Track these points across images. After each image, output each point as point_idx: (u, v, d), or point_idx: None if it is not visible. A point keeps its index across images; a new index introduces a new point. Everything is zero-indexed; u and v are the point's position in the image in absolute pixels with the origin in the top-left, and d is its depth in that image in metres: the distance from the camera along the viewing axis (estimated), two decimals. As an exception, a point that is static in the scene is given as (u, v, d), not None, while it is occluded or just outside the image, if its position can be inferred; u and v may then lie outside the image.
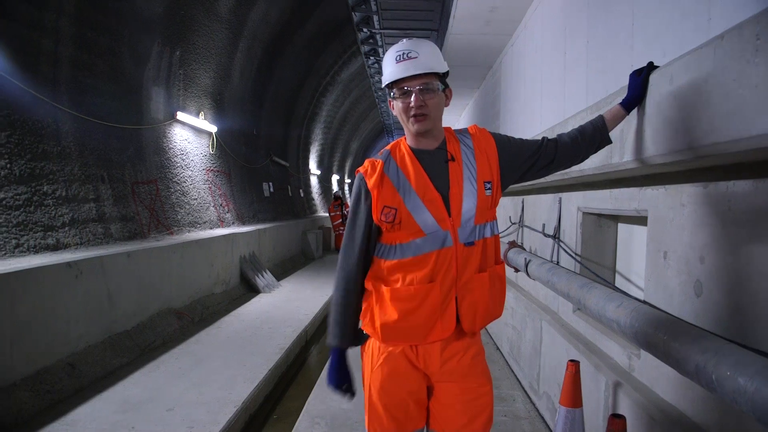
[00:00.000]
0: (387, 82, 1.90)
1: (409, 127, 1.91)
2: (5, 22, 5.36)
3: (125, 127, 7.57)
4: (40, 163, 5.73)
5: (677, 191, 2.26)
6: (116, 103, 7.40)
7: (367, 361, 2.03)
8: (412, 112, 1.86)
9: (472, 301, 1.89)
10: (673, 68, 1.88)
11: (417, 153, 1.94)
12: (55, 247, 5.63)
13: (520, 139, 2.07)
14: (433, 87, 1.86)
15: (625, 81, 2.18)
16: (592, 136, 2.08)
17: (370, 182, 1.90)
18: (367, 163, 1.97)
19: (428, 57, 1.87)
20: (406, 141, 1.99)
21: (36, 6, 5.70)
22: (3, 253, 4.97)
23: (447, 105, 1.97)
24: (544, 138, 2.08)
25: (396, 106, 1.92)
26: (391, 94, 1.92)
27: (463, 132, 2.02)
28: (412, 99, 1.85)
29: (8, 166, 5.27)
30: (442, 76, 1.91)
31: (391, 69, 1.88)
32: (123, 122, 7.51)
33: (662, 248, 2.38)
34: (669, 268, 2.32)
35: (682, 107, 1.82)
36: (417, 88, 1.84)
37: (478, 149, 1.96)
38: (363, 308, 2.00)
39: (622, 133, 2.34)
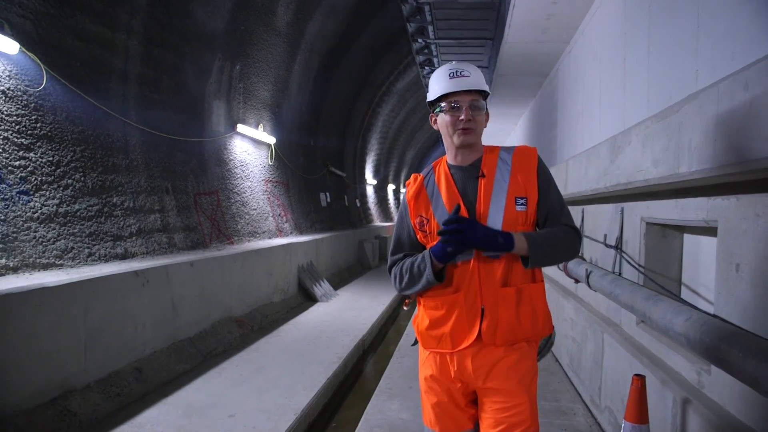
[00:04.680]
0: (440, 94, 2.02)
1: (454, 140, 2.03)
2: (83, 44, 5.67)
3: (188, 140, 7.86)
4: (110, 176, 6.01)
5: (751, 201, 2.17)
6: (180, 116, 7.69)
7: (420, 358, 2.18)
8: (461, 125, 1.98)
9: (494, 314, 1.96)
10: (749, 73, 1.81)
11: (452, 169, 2.09)
12: (123, 256, 5.88)
13: (555, 187, 2.09)
14: (480, 105, 2.01)
15: (691, 88, 2.11)
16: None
17: (409, 193, 2.15)
18: (412, 177, 2.20)
19: (478, 78, 2.02)
20: (446, 158, 2.15)
21: (109, 27, 6.01)
22: (77, 261, 5.23)
23: (485, 126, 2.09)
24: (555, 212, 2.07)
25: (442, 120, 2.05)
26: (438, 108, 2.05)
27: (509, 149, 2.11)
28: (463, 113, 1.98)
29: (82, 179, 5.55)
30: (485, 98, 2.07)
31: (444, 84, 2.01)
32: (186, 135, 7.80)
33: (734, 260, 2.28)
34: (742, 281, 2.22)
35: (758, 115, 1.75)
36: (468, 103, 1.98)
37: (516, 165, 2.04)
38: (414, 313, 2.20)
39: (690, 142, 2.27)
